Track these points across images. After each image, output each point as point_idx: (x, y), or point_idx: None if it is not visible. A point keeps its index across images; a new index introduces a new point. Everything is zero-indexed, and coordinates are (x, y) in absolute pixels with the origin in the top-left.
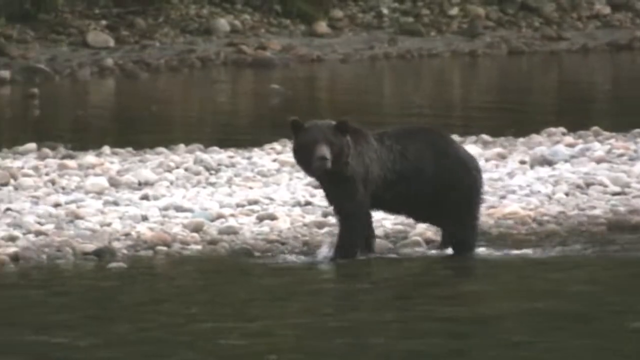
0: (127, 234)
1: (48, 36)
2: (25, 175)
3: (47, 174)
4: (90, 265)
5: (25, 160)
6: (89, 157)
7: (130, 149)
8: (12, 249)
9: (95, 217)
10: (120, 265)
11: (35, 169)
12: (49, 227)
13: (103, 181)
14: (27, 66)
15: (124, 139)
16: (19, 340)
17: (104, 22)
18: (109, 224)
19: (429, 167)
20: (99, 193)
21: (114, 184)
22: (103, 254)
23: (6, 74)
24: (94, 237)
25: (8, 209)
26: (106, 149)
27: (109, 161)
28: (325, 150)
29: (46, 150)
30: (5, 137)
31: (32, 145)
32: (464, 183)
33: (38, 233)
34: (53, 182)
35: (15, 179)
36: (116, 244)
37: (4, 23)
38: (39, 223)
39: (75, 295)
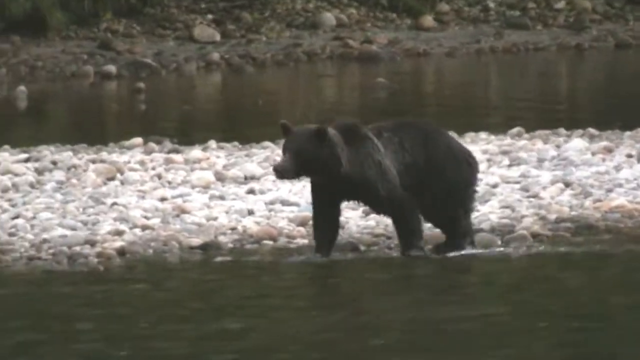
0: (233, 228)
1: (154, 31)
2: (132, 169)
3: (153, 169)
4: (196, 259)
5: (132, 155)
6: (195, 152)
7: (236, 143)
8: (118, 244)
9: (201, 212)
10: (226, 259)
11: (142, 163)
12: (155, 221)
13: (209, 175)
14: (133, 61)
15: (230, 134)
16: (126, 333)
17: (210, 17)
18: (215, 218)
19: (421, 158)
20: (205, 187)
21: (220, 178)
22: (209, 248)
23: (112, 68)
24: (200, 231)
25: (114, 204)
26: (212, 144)
27: (215, 155)
28: (284, 162)
29: (152, 145)
30: (111, 131)
31: (139, 140)
32: (451, 175)
33: (144, 227)
34: (159, 177)
35: (121, 173)
36: (222, 238)
37: (110, 18)
38: (145, 217)
39: (182, 289)
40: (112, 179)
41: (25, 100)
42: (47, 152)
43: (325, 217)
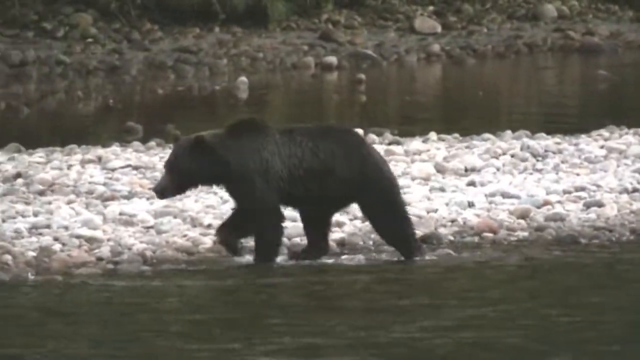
0: (453, 220)
1: (375, 22)
2: None
3: None
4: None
5: None
6: (415, 143)
7: (456, 135)
8: (338, 235)
9: (421, 203)
10: (447, 251)
11: None
12: None
13: (429, 167)
14: (354, 52)
15: (450, 125)
16: (344, 325)
17: (431, 8)
18: (435, 210)
19: (341, 166)
20: (425, 179)
21: (440, 170)
22: (430, 240)
23: (334, 59)
24: (420, 223)
25: None
26: (433, 135)
27: (435, 147)
28: (162, 182)
29: (373, 136)
30: (332, 122)
31: (359, 131)
32: (379, 185)
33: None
34: None
35: None
36: (442, 230)
37: (331, 9)
38: None
39: (404, 282)
40: None
41: (246, 90)
42: None
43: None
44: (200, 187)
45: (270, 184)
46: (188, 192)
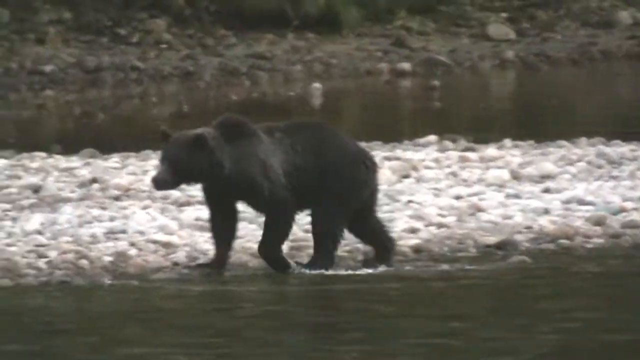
0: (528, 227)
1: (449, 28)
2: (427, 167)
3: (448, 166)
4: (492, 258)
5: (427, 152)
6: (490, 150)
7: (531, 141)
8: (413, 241)
9: (496, 210)
10: (522, 258)
11: (436, 161)
12: (451, 219)
13: (504, 174)
14: (427, 58)
15: (525, 132)
16: (422, 328)
17: (504, 15)
18: (510, 217)
19: (312, 158)
20: (500, 186)
21: (516, 176)
22: (505, 246)
23: (407, 66)
24: (495, 229)
25: (410, 201)
26: (507, 142)
27: (510, 154)
28: (161, 173)
29: (447, 143)
30: (406, 128)
31: (433, 138)
32: (345, 174)
33: (440, 225)
34: (454, 175)
35: (416, 170)
36: (518, 237)
37: (404, 15)
38: (440, 215)
39: (477, 287)
40: (407, 176)
41: (319, 97)
42: None
43: (220, 219)
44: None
45: (274, 181)
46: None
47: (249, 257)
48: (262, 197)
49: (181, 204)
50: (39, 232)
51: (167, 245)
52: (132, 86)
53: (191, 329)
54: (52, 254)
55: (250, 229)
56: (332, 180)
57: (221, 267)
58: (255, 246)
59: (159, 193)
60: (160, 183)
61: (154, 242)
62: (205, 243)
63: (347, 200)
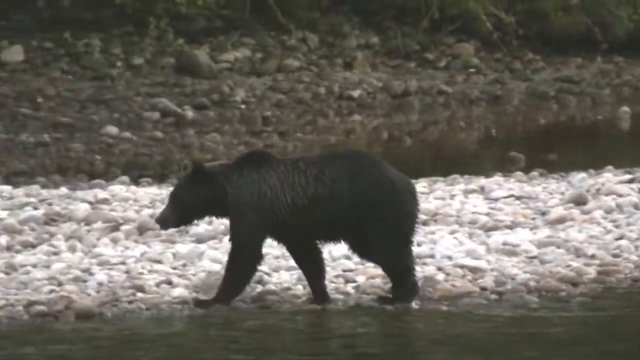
0: None
1: None
2: None
3: None
4: None
5: None
6: None
7: None
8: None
9: None
10: None
11: None
12: None
13: None
14: None
15: None
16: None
17: None
18: None
19: (344, 188)
20: None
21: None
22: None
23: None
24: None
25: None
26: None
27: None
28: (163, 214)
29: None
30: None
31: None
32: (388, 203)
33: None
34: None
35: None
36: None
37: None
38: None
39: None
40: None
41: (628, 120)
42: None
43: (297, 255)
44: (206, 218)
45: (265, 219)
46: (195, 222)
47: (557, 282)
48: (235, 228)
49: (489, 229)
50: (347, 257)
51: (474, 270)
52: (440, 110)
53: (498, 355)
54: (360, 279)
55: (558, 252)
56: (379, 211)
57: (323, 301)
58: (564, 271)
59: (466, 218)
60: (162, 222)
61: (462, 266)
62: (513, 268)
63: (402, 228)
